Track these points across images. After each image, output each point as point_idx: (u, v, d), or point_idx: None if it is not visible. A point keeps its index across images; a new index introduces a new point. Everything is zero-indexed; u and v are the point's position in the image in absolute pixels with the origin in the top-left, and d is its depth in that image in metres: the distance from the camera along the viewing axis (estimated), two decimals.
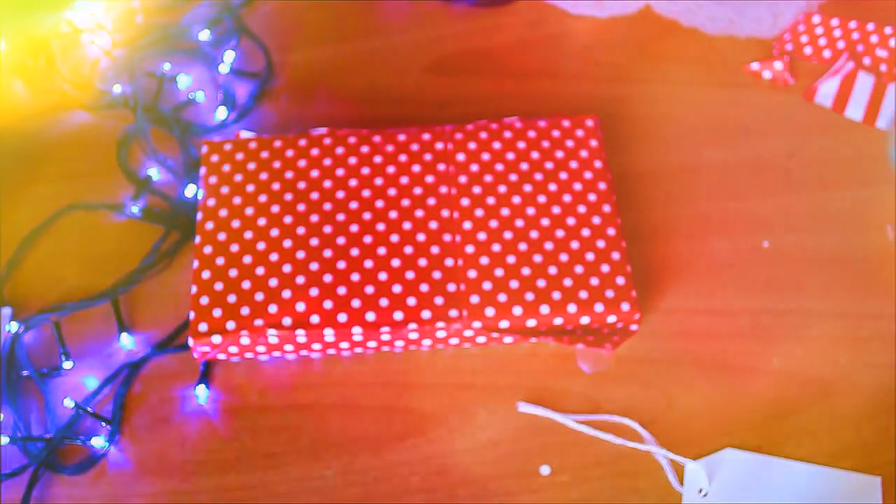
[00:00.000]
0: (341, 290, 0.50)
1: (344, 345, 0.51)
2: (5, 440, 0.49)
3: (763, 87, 0.65)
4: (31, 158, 0.61)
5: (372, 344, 0.51)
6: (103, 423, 0.50)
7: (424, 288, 0.51)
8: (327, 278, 0.51)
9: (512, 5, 0.70)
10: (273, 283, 0.51)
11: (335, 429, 0.51)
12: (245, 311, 0.50)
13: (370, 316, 0.50)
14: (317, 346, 0.51)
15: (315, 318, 0.49)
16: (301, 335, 0.50)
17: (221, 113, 0.63)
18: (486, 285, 0.51)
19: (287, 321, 0.49)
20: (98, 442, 0.50)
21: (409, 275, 0.51)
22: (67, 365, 0.52)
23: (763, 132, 0.62)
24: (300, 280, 0.51)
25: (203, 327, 0.49)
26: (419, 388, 0.52)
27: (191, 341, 0.49)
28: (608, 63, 0.67)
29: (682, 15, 0.69)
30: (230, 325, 0.49)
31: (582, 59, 0.67)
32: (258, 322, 0.49)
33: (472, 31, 0.69)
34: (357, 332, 0.50)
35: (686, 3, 0.69)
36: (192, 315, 0.50)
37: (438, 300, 0.50)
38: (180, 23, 0.68)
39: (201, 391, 0.51)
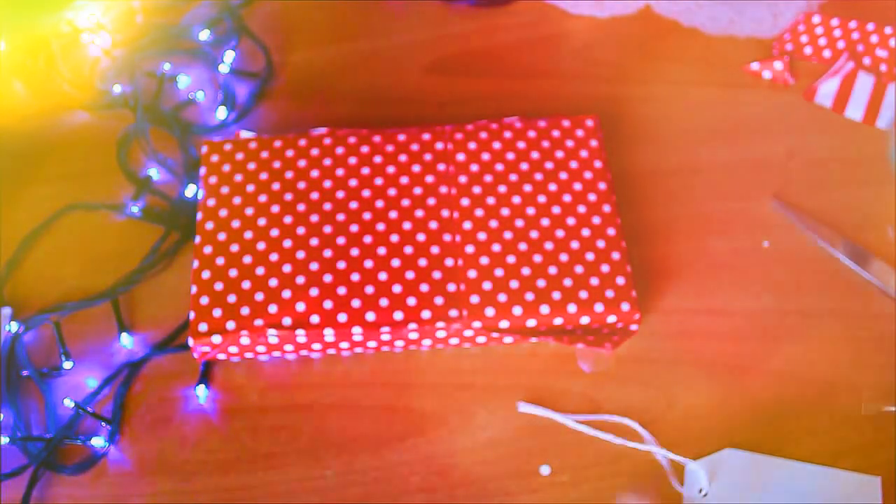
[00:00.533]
0: (341, 290, 0.50)
1: (344, 345, 0.51)
2: (5, 440, 0.49)
3: (763, 87, 0.65)
4: (31, 158, 0.61)
5: (372, 344, 0.51)
6: (103, 423, 0.50)
7: (424, 288, 0.51)
8: (327, 278, 0.51)
9: (512, 5, 0.70)
10: (273, 283, 0.51)
11: (335, 429, 0.51)
12: (245, 311, 0.50)
13: (370, 316, 0.50)
14: (317, 346, 0.51)
15: (315, 318, 0.49)
16: (301, 335, 0.50)
17: (221, 113, 0.63)
18: (486, 285, 0.51)
19: (287, 321, 0.49)
20: (98, 442, 0.50)
21: (409, 275, 0.51)
22: (67, 365, 0.52)
23: (763, 132, 0.62)
24: (300, 280, 0.51)
25: (203, 327, 0.49)
26: (419, 388, 0.52)
27: (191, 341, 0.49)
28: (608, 63, 0.67)
29: (682, 15, 0.69)
30: (230, 325, 0.49)
31: (582, 59, 0.67)
32: (258, 322, 0.49)
33: (472, 31, 0.69)
34: (357, 332, 0.50)
35: (686, 3, 0.69)
36: (192, 315, 0.50)
37: (438, 300, 0.50)
38: (180, 23, 0.68)
39: (201, 391, 0.51)
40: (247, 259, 0.51)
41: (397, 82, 0.66)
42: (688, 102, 0.64)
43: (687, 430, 0.50)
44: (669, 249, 0.57)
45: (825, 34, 0.67)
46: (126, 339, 0.53)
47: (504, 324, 0.50)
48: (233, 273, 0.51)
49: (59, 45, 0.67)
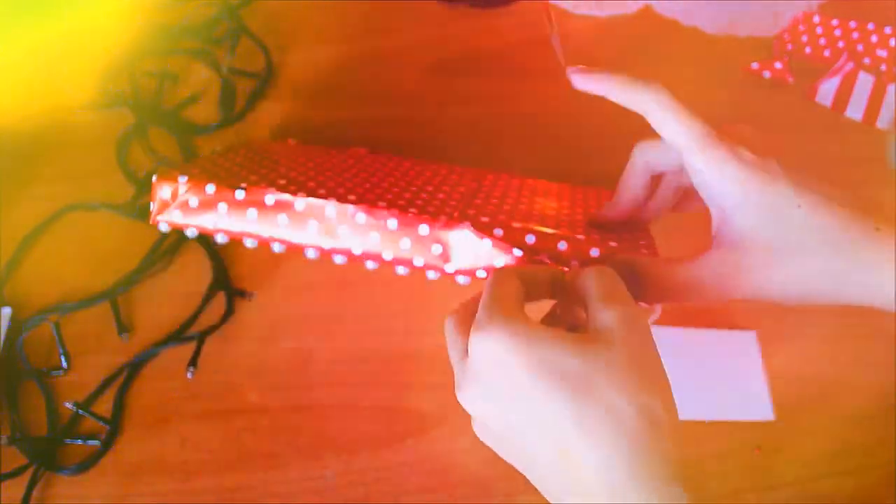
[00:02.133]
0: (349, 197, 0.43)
1: (341, 245, 0.43)
2: (5, 440, 0.49)
3: (763, 87, 0.65)
4: (31, 158, 0.61)
5: (372, 262, 0.43)
6: (103, 423, 0.50)
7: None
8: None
9: (512, 5, 0.70)
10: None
11: (335, 429, 0.51)
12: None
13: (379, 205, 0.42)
14: (310, 240, 0.43)
15: (320, 192, 0.43)
16: (300, 204, 0.42)
17: (221, 113, 0.63)
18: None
19: (282, 182, 0.43)
20: (98, 442, 0.50)
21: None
22: (67, 365, 0.52)
23: (763, 132, 0.62)
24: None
25: (167, 193, 0.42)
26: (419, 388, 0.52)
27: (153, 206, 0.44)
28: (608, 63, 0.67)
29: (682, 15, 0.69)
30: (210, 188, 0.43)
31: (582, 59, 0.67)
32: (241, 192, 0.42)
33: (473, 31, 0.69)
34: (361, 218, 0.42)
35: (686, 3, 0.69)
36: (155, 178, 0.44)
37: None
38: (180, 23, 0.68)
39: (192, 372, 0.51)
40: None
41: (397, 82, 0.66)
42: (688, 102, 0.64)
43: (687, 430, 0.50)
44: (669, 249, 0.57)
45: (825, 34, 0.67)
46: (126, 339, 0.53)
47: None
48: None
49: (60, 45, 0.67)
